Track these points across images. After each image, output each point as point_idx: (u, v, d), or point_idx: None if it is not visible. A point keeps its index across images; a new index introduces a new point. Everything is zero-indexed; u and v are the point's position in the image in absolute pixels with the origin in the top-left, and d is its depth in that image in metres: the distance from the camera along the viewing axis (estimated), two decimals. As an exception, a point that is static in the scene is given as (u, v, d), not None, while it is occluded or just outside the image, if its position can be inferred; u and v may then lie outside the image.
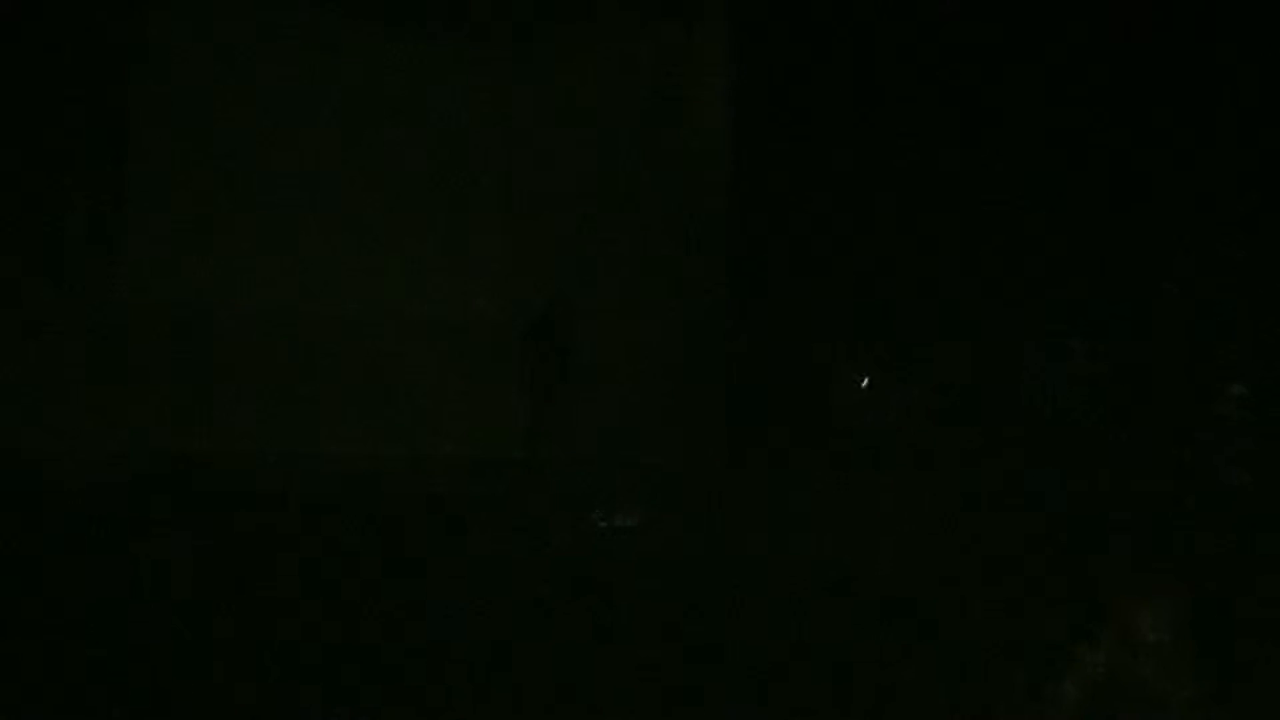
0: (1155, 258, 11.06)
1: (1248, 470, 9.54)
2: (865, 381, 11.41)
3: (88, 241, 8.83)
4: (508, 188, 10.93)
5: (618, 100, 11.65)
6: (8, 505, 4.41)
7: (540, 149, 11.10)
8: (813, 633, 4.00)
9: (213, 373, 9.15)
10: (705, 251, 12.15)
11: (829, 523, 5.45)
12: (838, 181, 12.01)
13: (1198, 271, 10.68)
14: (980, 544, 5.35)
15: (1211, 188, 10.64)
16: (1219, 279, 10.50)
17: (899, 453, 11.26)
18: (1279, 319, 10.20)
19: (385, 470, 8.70)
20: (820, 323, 11.94)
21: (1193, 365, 10.57)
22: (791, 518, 5.32)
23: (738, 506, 6.41)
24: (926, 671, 3.82)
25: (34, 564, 3.56)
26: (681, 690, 3.46)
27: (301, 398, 9.43)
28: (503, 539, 4.57)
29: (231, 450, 8.72)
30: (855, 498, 7.05)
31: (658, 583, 4.36)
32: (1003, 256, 11.72)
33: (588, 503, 5.32)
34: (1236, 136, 10.46)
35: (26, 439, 7.89)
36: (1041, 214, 11.61)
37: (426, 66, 10.40)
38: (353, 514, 4.56)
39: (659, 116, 12.02)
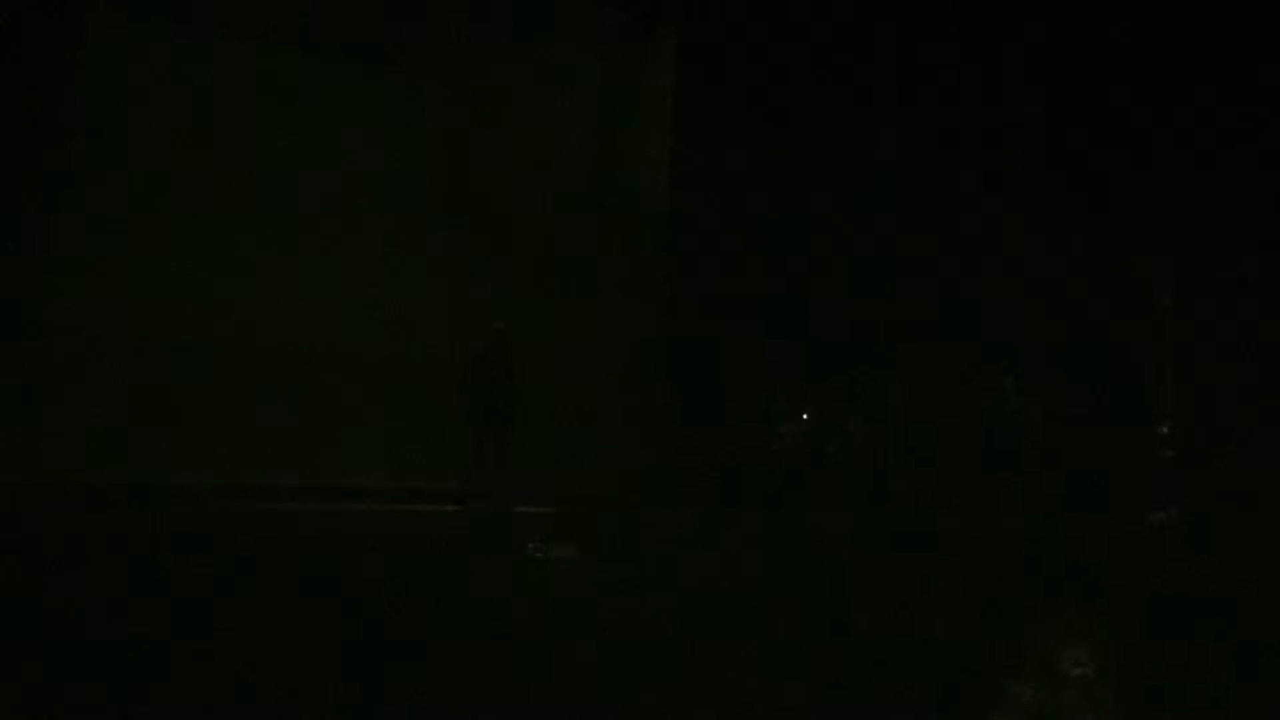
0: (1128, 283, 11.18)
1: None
2: (805, 416, 11.50)
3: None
4: (456, 223, 10.85)
5: (566, 136, 11.72)
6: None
7: (488, 184, 11.08)
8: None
9: (136, 402, 8.88)
10: (648, 285, 12.24)
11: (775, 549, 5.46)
12: (779, 222, 12.17)
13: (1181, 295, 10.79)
14: (932, 573, 5.39)
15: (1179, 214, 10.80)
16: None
17: (844, 481, 11.36)
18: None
19: (317, 501, 8.58)
20: (761, 356, 12.03)
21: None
22: (734, 545, 5.32)
23: (681, 534, 6.39)
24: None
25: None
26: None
27: (231, 429, 9.24)
28: (440, 571, 4.50)
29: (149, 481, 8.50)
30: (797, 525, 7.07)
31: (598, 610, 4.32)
32: (957, 289, 11.83)
33: (525, 534, 5.26)
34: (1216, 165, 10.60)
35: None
36: (994, 249, 11.74)
37: (356, 99, 10.32)
38: (282, 544, 4.45)
39: (606, 153, 12.12)
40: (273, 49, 9.82)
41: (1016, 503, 10.11)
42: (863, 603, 4.65)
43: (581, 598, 4.31)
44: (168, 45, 9.31)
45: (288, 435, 9.55)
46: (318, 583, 3.98)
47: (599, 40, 12.13)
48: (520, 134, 11.32)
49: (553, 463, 10.54)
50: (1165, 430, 10.34)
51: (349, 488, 9.27)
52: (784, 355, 11.95)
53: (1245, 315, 10.23)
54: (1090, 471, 10.73)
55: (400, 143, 10.53)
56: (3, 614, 3.33)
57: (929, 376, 11.68)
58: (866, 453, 11.38)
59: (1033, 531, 7.56)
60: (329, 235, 10.04)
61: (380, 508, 8.15)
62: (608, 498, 10.33)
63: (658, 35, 12.47)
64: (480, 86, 11.13)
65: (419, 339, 10.37)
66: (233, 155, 9.56)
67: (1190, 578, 6.04)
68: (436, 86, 10.84)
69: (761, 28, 11.85)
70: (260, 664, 3.43)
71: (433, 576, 4.40)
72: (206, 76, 9.46)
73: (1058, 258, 11.38)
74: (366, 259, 10.21)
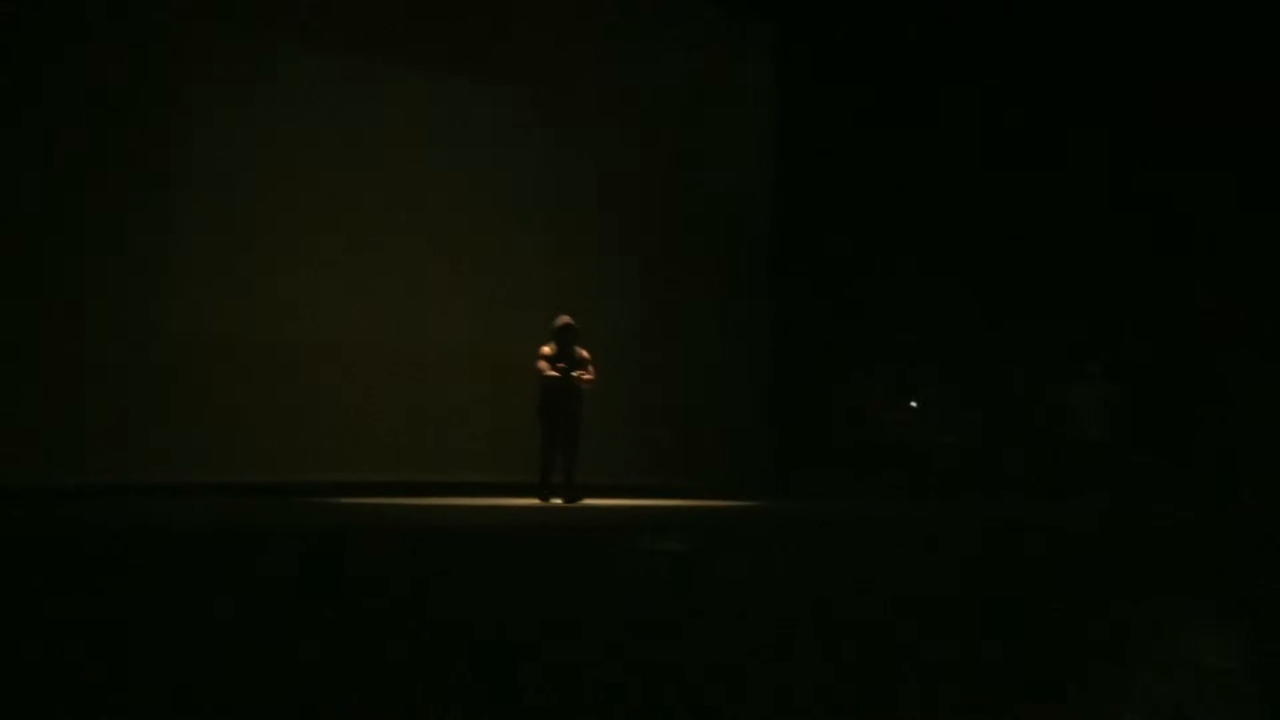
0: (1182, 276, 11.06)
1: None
2: (912, 404, 11.41)
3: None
4: (553, 224, 10.91)
5: (661, 136, 11.71)
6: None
7: (586, 183, 11.11)
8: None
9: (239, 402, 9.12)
10: (751, 277, 12.17)
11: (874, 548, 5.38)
12: (878, 217, 12.11)
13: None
14: (1029, 567, 5.27)
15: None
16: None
17: (940, 477, 11.27)
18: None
19: (426, 496, 8.78)
20: (859, 354, 12.00)
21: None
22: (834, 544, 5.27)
23: (789, 525, 6.36)
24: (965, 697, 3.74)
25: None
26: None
27: (334, 429, 9.46)
28: (553, 565, 4.54)
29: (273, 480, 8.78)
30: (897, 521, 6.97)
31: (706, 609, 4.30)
32: (1042, 286, 11.73)
33: (631, 527, 5.30)
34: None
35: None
36: (1077, 246, 11.64)
37: (455, 102, 10.45)
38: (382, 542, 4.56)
39: (707, 150, 12.08)
40: (364, 56, 9.99)
41: (1115, 492, 9.98)
42: (984, 597, 4.54)
43: (704, 591, 4.29)
44: (264, 55, 9.54)
45: (396, 434, 9.77)
46: (444, 580, 4.06)
47: (696, 35, 12.08)
48: (617, 131, 11.36)
49: (655, 457, 10.61)
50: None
51: (454, 483, 9.48)
52: (889, 346, 11.86)
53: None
54: (1191, 459, 10.56)
55: (495, 144, 10.62)
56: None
57: (1027, 367, 11.63)
58: (975, 443, 11.28)
59: (1145, 521, 7.31)
60: (429, 238, 10.20)
61: (485, 503, 8.31)
62: (711, 491, 10.33)
63: (755, 28, 12.41)
64: (576, 85, 11.18)
65: (518, 338, 10.48)
66: (328, 161, 9.75)
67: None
68: (532, 86, 10.89)
69: (862, 17, 11.84)
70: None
71: (541, 569, 4.43)
72: (299, 85, 9.67)
73: (1143, 248, 11.28)
74: (464, 260, 10.35)
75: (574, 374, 8.35)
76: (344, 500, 8.00)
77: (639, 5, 11.74)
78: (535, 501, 8.29)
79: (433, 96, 10.32)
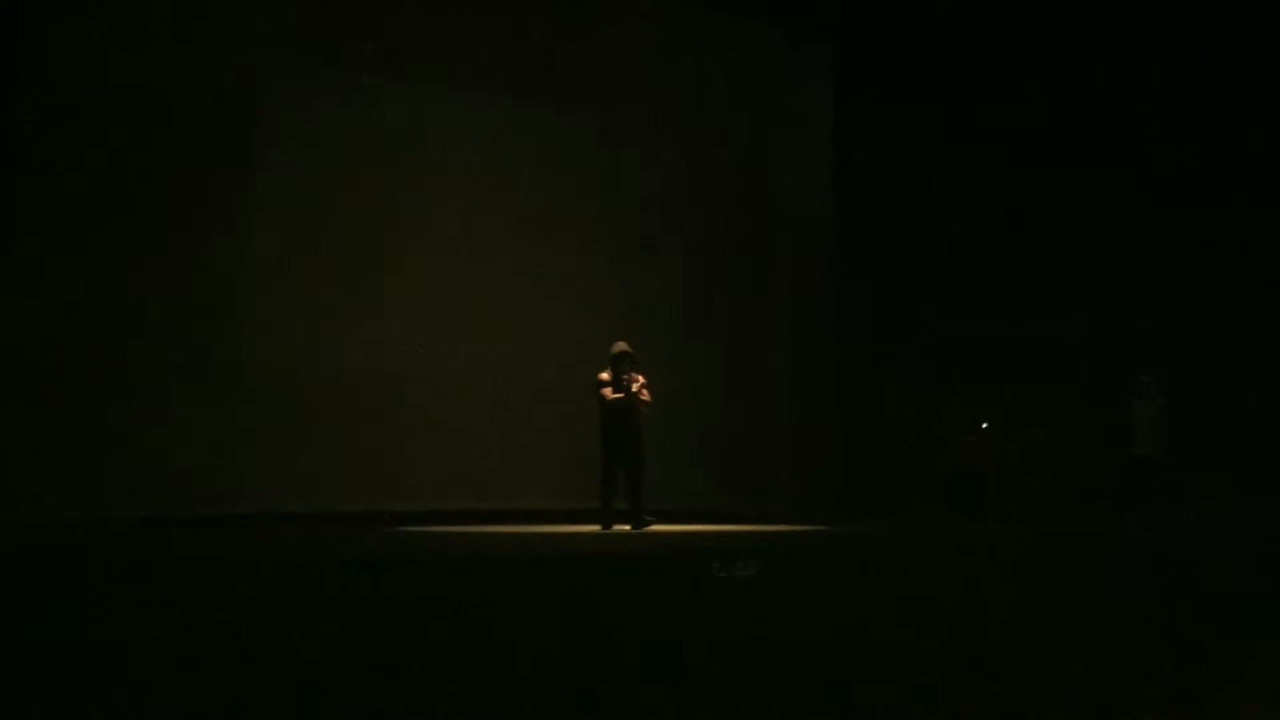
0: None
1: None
2: (985, 425, 11.26)
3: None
4: (619, 247, 10.95)
5: (722, 158, 11.73)
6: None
7: (642, 207, 11.13)
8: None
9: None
10: (813, 297, 12.08)
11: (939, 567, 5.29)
12: (938, 233, 12.03)
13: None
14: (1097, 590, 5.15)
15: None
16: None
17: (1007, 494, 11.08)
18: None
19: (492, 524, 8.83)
20: (923, 375, 11.88)
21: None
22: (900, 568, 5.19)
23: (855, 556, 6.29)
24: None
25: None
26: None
27: (392, 457, 9.53)
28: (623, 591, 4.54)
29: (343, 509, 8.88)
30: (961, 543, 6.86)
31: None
32: (1098, 298, 11.55)
33: (700, 553, 5.27)
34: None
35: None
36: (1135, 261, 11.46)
37: (523, 128, 10.55)
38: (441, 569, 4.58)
39: (767, 169, 12.07)
40: (426, 88, 10.11)
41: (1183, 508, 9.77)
42: (1064, 617, 4.45)
43: (780, 619, 4.26)
44: (333, 89, 9.70)
45: (458, 460, 9.84)
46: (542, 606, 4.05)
47: (756, 56, 12.10)
48: (678, 154, 11.40)
49: (717, 481, 10.55)
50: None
51: (515, 510, 9.52)
52: (955, 364, 11.73)
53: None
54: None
55: (562, 169, 10.69)
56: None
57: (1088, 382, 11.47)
58: (1049, 462, 11.10)
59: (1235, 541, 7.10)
60: (495, 262, 10.29)
61: (551, 530, 8.33)
62: (775, 515, 10.25)
63: (814, 48, 12.41)
64: (637, 108, 11.24)
65: (580, 362, 10.51)
66: (394, 190, 9.87)
67: None
68: (591, 111, 10.96)
69: (915, 34, 11.85)
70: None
71: (628, 597, 4.42)
72: (365, 118, 9.81)
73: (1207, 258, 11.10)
74: (529, 284, 10.41)
75: (633, 389, 8.35)
76: (414, 528, 8.07)
77: (700, 28, 11.75)
78: (597, 529, 8.29)
79: (502, 124, 10.43)
